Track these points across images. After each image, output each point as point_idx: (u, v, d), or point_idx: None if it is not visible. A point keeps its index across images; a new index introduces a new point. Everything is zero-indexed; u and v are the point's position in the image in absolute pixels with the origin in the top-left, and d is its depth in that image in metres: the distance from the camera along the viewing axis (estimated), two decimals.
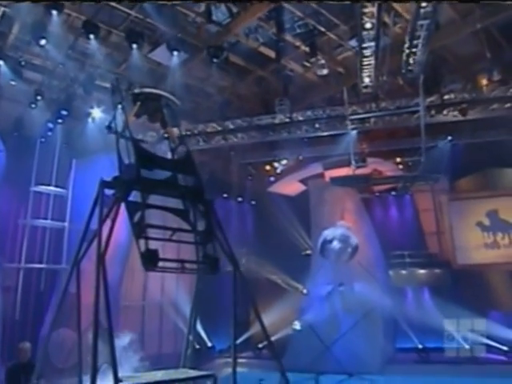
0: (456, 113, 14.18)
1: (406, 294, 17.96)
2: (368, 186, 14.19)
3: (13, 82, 11.70)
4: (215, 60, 11.74)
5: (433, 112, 14.37)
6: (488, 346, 15.10)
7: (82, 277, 6.32)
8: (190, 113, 16.22)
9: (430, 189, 18.60)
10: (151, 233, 5.70)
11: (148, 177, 6.09)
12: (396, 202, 18.90)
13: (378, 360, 15.01)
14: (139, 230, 5.52)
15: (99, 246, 5.65)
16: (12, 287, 12.76)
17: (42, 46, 10.51)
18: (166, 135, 6.78)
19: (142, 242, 5.38)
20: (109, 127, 6.20)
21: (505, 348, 15.14)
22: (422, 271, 17.91)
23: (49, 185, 13.70)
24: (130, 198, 5.85)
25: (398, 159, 17.76)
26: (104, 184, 5.86)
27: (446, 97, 13.96)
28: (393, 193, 15.19)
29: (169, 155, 6.88)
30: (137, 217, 5.68)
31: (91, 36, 10.53)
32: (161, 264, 5.50)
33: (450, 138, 15.96)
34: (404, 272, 17.92)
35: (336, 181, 14.36)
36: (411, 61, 12.23)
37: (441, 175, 14.44)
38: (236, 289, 6.72)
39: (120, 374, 5.49)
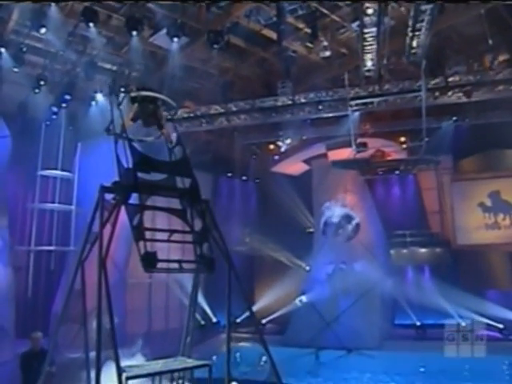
0: (460, 94, 14.05)
1: (407, 272, 18.28)
2: (369, 170, 14.26)
3: (15, 69, 11.78)
4: (215, 46, 11.66)
5: (437, 94, 14.23)
6: (485, 323, 15.52)
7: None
8: (193, 94, 16.28)
9: (434, 168, 18.60)
10: (152, 235, 5.99)
11: (146, 179, 6.34)
12: (399, 181, 18.94)
13: (376, 336, 15.53)
14: (138, 232, 5.79)
15: (100, 250, 5.94)
16: (23, 268, 13.29)
17: (42, 34, 10.52)
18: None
19: (141, 244, 5.63)
20: (108, 130, 6.35)
21: (501, 326, 15.52)
22: (422, 250, 18.16)
23: (55, 169, 13.98)
24: (131, 201, 6.11)
25: (403, 139, 17.76)
26: (104, 189, 6.11)
27: (450, 79, 13.75)
28: (396, 172, 15.24)
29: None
30: (136, 220, 5.93)
31: (90, 24, 10.48)
32: (159, 265, 5.80)
33: (454, 118, 15.86)
34: (405, 251, 18.19)
35: (337, 164, 14.45)
36: (414, 44, 12.08)
37: (442, 159, 14.45)
38: (230, 286, 7.00)
39: (122, 364, 6.01)
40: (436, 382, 13.31)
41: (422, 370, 13.91)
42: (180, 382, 6.57)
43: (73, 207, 14.17)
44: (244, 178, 20.34)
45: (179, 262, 6.40)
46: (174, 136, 6.98)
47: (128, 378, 5.82)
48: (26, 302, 13.15)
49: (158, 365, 6.45)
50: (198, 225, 6.82)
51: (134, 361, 7.86)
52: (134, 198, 6.20)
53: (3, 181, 12.60)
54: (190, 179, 6.56)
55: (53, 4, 9.78)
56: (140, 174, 6.26)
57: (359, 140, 15.66)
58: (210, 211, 6.83)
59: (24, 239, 13.45)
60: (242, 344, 16.74)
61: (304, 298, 16.72)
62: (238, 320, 18.16)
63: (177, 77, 14.21)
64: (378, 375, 13.93)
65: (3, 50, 11.30)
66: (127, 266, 15.23)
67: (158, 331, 16.41)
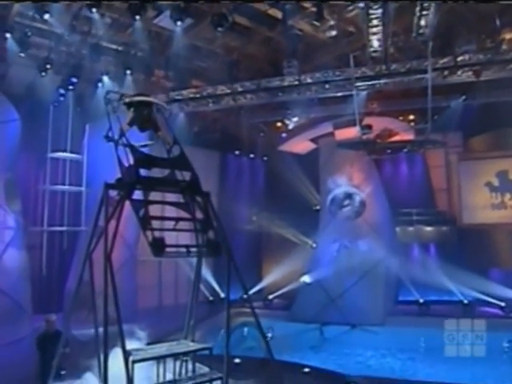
0: (470, 74, 13.81)
1: (412, 250, 18.47)
2: (375, 150, 14.22)
3: (22, 54, 11.88)
4: (220, 29, 11.56)
5: (446, 73, 14.00)
6: (486, 301, 15.83)
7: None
8: (199, 73, 16.22)
9: (442, 146, 18.47)
10: (161, 224, 6.26)
11: (148, 176, 6.56)
12: (407, 159, 18.82)
13: (379, 313, 15.89)
14: (144, 223, 6.05)
15: (106, 245, 6.26)
16: (37, 248, 13.79)
17: (45, 20, 10.56)
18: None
19: (148, 233, 5.82)
20: (107, 136, 6.52)
21: (502, 304, 15.77)
22: (428, 228, 18.27)
23: (64, 151, 14.24)
24: (135, 196, 6.36)
25: (411, 117, 17.61)
26: (108, 186, 6.36)
27: (459, 58, 13.48)
28: (404, 150, 15.14)
29: None
30: (141, 212, 6.19)
31: (93, 9, 10.47)
32: (168, 250, 6.10)
33: (463, 97, 15.63)
34: (411, 229, 18.32)
35: (343, 145, 14.43)
36: (422, 23, 11.84)
37: (451, 137, 14.33)
38: (229, 277, 7.28)
39: (131, 344, 6.40)
40: (437, 358, 13.67)
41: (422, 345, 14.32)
42: (184, 359, 7.03)
43: (83, 188, 14.51)
44: (252, 155, 20.41)
45: (186, 246, 6.75)
46: (170, 136, 7.19)
47: (134, 362, 6.30)
48: (40, 280, 13.73)
49: (163, 348, 6.88)
50: (199, 215, 7.13)
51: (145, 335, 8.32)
52: (136, 195, 6.48)
53: (15, 164, 12.93)
54: (189, 173, 6.81)
55: None
56: (142, 172, 6.57)
57: (365, 120, 15.62)
58: (210, 203, 7.08)
59: (37, 220, 13.89)
60: (248, 319, 17.30)
61: (307, 279, 17.08)
62: (245, 296, 18.68)
63: (182, 56, 14.19)
64: (380, 351, 14.36)
65: (8, 35, 11.38)
66: (137, 244, 15.65)
67: (168, 306, 17.02)
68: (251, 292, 18.84)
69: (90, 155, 14.84)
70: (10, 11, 11.57)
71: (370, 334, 15.13)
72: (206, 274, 16.74)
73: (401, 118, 17.78)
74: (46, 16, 10.46)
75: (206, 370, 6.92)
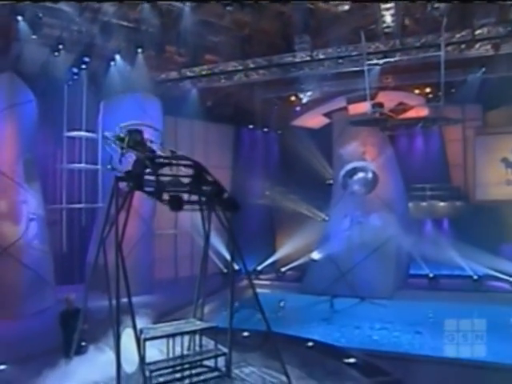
0: (488, 47, 13.40)
1: (424, 225, 18.51)
2: (387, 127, 14.05)
3: (34, 36, 12.03)
4: (228, 8, 11.44)
5: (463, 46, 13.62)
6: (496, 277, 15.92)
7: None
8: (211, 48, 16.10)
9: (461, 118, 18.11)
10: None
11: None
12: (423, 133, 18.42)
13: (389, 286, 16.18)
14: (159, 189, 6.63)
15: (117, 234, 6.68)
16: (57, 225, 14.41)
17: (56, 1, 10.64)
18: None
19: (164, 195, 6.62)
20: (111, 167, 7.22)
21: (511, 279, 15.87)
22: (441, 204, 18.19)
23: (80, 130, 14.56)
24: None
25: (428, 89, 17.23)
26: (118, 179, 6.72)
27: (477, 31, 13.07)
28: (419, 125, 14.90)
29: None
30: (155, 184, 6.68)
31: None
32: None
33: (482, 70, 15.19)
34: (424, 204, 18.29)
35: (355, 122, 14.32)
36: None
37: (468, 110, 14.04)
38: (233, 264, 7.64)
39: (139, 327, 6.90)
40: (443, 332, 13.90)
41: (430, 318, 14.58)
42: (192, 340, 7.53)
43: (99, 166, 14.92)
44: (265, 129, 20.40)
45: (204, 204, 7.51)
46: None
47: (145, 340, 6.81)
48: (62, 255, 14.43)
49: (172, 327, 7.44)
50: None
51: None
52: None
53: (33, 144, 13.33)
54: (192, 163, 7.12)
55: None
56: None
57: (380, 95, 15.41)
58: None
59: (56, 198, 14.44)
60: (262, 291, 17.84)
61: (316, 255, 17.40)
62: (259, 268, 19.26)
63: (194, 32, 14.12)
64: (388, 324, 14.71)
65: (20, 17, 11.50)
66: (153, 218, 16.15)
67: (184, 277, 17.65)
68: (264, 264, 19.43)
69: (105, 132, 15.08)
70: None
71: (379, 307, 15.50)
72: (220, 246, 17.19)
73: (417, 91, 17.43)
74: None
75: (212, 344, 7.46)
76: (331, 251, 17.00)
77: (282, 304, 16.21)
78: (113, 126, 15.10)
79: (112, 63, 14.38)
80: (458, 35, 13.18)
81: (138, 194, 7.07)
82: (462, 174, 18.50)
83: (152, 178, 6.70)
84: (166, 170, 6.98)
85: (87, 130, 14.80)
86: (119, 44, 14.31)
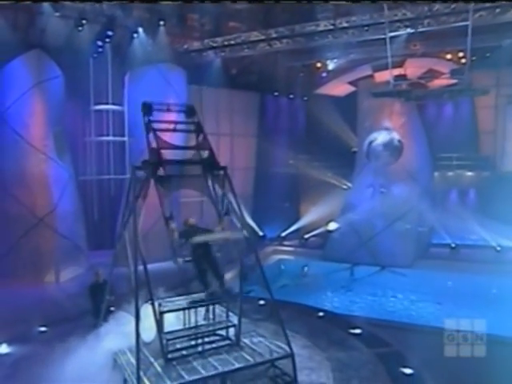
0: None
1: (449, 195, 18.24)
2: (411, 98, 13.66)
3: (57, 14, 12.32)
4: None
5: (498, 11, 12.93)
6: None
7: None
8: (234, 15, 15.97)
9: (495, 83, 17.37)
10: None
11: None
12: (451, 100, 17.83)
13: (409, 256, 16.32)
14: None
15: (134, 221, 7.17)
16: (88, 195, 15.23)
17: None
18: None
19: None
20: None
21: None
22: (468, 174, 17.80)
23: (106, 103, 15.02)
24: None
25: (461, 54, 16.49)
26: (135, 168, 7.23)
27: None
28: (445, 96, 14.34)
29: None
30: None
31: None
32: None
33: None
34: (450, 174, 17.95)
35: (377, 93, 14.01)
36: None
37: (490, 89, 13.50)
38: (243, 253, 8.02)
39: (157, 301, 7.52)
40: (463, 303, 13.97)
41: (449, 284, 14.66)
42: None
43: (126, 138, 15.44)
44: (291, 96, 20.23)
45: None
46: None
47: (162, 313, 7.44)
48: (93, 223, 15.32)
49: (187, 300, 8.00)
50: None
51: None
52: None
53: (62, 119, 13.93)
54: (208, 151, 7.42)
55: None
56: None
57: (408, 62, 14.96)
58: (228, 178, 7.73)
59: (86, 170, 15.18)
60: (285, 257, 18.42)
61: (332, 226, 17.59)
62: (283, 234, 19.73)
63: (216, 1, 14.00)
64: (406, 293, 14.96)
65: None
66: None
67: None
68: (288, 231, 19.85)
69: (130, 104, 15.48)
70: None
71: (399, 276, 15.73)
72: (244, 213, 17.60)
73: (449, 56, 16.72)
74: None
75: (224, 316, 8.00)
76: (353, 219, 17.15)
77: (305, 269, 16.74)
78: (138, 97, 15.54)
79: (135, 35, 14.55)
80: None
81: None
82: (492, 142, 17.89)
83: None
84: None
85: (113, 103, 15.23)
86: (142, 16, 14.43)
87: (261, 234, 19.53)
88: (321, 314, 10.47)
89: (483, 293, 13.80)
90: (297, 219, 19.98)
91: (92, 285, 9.45)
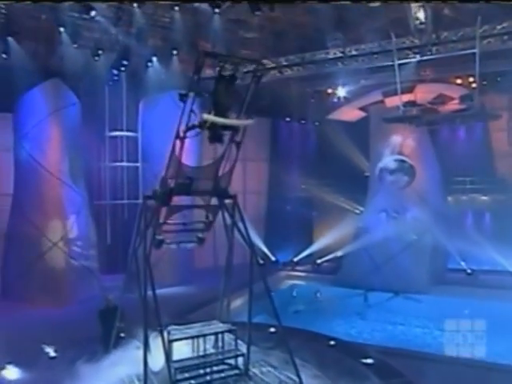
0: None
1: (463, 219, 18.01)
2: (423, 123, 13.68)
3: (74, 45, 12.76)
4: (257, 13, 11.58)
5: (505, 38, 13.01)
6: None
7: None
8: (245, 44, 16.24)
9: (507, 107, 17.34)
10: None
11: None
12: (464, 124, 17.79)
13: (424, 281, 16.05)
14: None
15: (145, 248, 7.27)
16: (101, 220, 15.44)
17: (92, 17, 11.24)
18: None
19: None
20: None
21: None
22: (483, 197, 17.59)
23: (121, 129, 15.37)
24: None
25: (471, 79, 16.52)
26: (146, 197, 7.55)
27: None
28: (457, 120, 14.31)
29: None
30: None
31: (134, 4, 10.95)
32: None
33: None
34: (464, 198, 17.78)
35: (388, 119, 14.09)
36: None
37: (502, 113, 13.48)
38: (252, 273, 8.02)
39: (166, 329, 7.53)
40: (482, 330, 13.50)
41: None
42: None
43: (139, 164, 15.72)
44: (303, 121, 20.42)
45: (180, 243, 8.51)
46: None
47: (170, 341, 7.43)
48: (106, 248, 15.48)
49: (195, 329, 8.02)
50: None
51: None
52: None
53: (77, 144, 14.26)
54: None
55: None
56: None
57: (418, 88, 15.08)
58: (237, 205, 7.83)
59: (100, 195, 15.44)
60: (298, 282, 18.27)
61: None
62: (296, 259, 19.60)
63: (227, 30, 14.34)
64: (421, 320, 14.62)
65: (62, 29, 12.24)
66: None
67: (223, 266, 18.22)
68: (301, 256, 19.72)
69: (144, 131, 15.82)
70: (62, 8, 12.36)
71: (414, 302, 15.44)
72: (257, 238, 17.60)
73: (459, 80, 16.76)
74: (93, 13, 11.10)
75: (233, 344, 7.94)
76: (366, 244, 17.00)
77: (318, 295, 16.55)
78: (151, 124, 15.80)
79: (149, 64, 14.94)
80: (498, 27, 12.59)
81: None
82: (507, 165, 17.69)
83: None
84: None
85: (128, 130, 15.58)
86: (156, 45, 14.83)
87: (273, 258, 19.45)
88: (332, 342, 10.25)
89: (503, 320, 13.42)
90: (309, 244, 19.87)
91: (102, 310, 9.51)
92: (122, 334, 9.04)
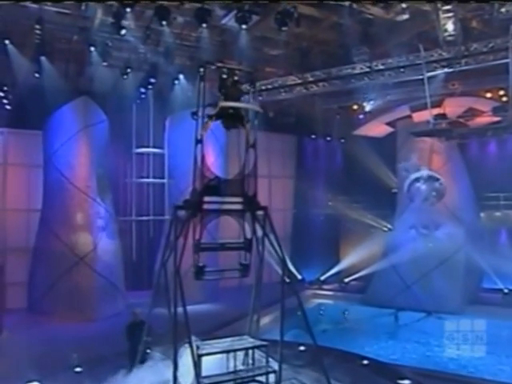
0: None
1: (498, 236, 17.37)
2: (453, 137, 13.36)
3: (104, 63, 13.05)
4: (284, 28, 11.63)
5: None
6: None
7: None
8: (272, 61, 16.36)
9: None
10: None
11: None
12: (496, 138, 17.36)
13: (458, 301, 15.37)
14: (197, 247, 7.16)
15: (175, 259, 7.10)
16: (127, 235, 15.47)
17: (122, 35, 11.48)
18: None
19: (195, 256, 7.13)
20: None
21: None
22: None
23: (147, 146, 15.53)
24: None
25: (501, 92, 16.17)
26: (177, 207, 7.29)
27: None
28: (489, 133, 13.97)
29: None
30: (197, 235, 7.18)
31: (163, 22, 11.13)
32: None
33: None
34: (497, 214, 17.16)
35: (417, 133, 13.83)
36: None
37: None
38: (284, 296, 7.78)
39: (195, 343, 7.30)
40: None
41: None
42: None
43: (165, 180, 15.79)
44: (328, 138, 20.29)
45: (223, 271, 8.06)
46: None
47: (200, 356, 7.18)
48: (132, 264, 15.47)
49: (225, 343, 7.75)
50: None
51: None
52: None
53: (105, 161, 14.45)
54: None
55: (128, 9, 10.53)
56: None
57: (447, 101, 14.79)
58: (268, 217, 7.64)
59: (126, 211, 15.52)
60: (325, 301, 17.81)
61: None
62: (322, 278, 19.19)
63: (253, 48, 14.47)
64: (455, 341, 13.94)
65: (92, 48, 12.55)
66: (217, 229, 16.72)
67: (248, 286, 17.93)
68: (328, 274, 19.30)
69: (170, 148, 15.97)
70: (93, 24, 12.72)
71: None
72: (284, 256, 17.27)
73: (489, 94, 16.42)
74: (123, 31, 11.35)
75: (264, 361, 7.66)
76: (396, 262, 16.50)
77: (346, 314, 16.07)
78: (177, 141, 15.89)
79: (176, 82, 15.14)
80: None
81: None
82: None
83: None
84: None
85: (154, 146, 15.73)
86: (182, 63, 15.07)
87: (299, 277, 19.07)
88: (365, 361, 9.84)
89: None
90: (336, 262, 19.46)
91: (129, 324, 9.35)
92: (148, 350, 8.85)
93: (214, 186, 7.20)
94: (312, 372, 8.30)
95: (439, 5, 10.29)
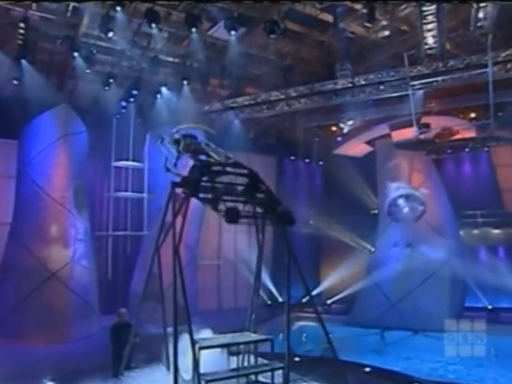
0: None
1: (478, 253, 17.59)
2: (435, 150, 13.71)
3: (87, 70, 12.78)
4: (272, 36, 11.82)
5: (509, 66, 13.34)
6: None
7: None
8: (254, 79, 16.54)
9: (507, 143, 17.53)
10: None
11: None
12: (470, 157, 17.94)
13: (444, 318, 15.18)
14: (215, 198, 6.45)
15: (174, 237, 6.63)
16: (103, 251, 14.66)
17: (110, 38, 11.32)
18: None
19: (221, 206, 6.40)
20: (166, 168, 7.16)
21: None
22: (495, 231, 17.32)
23: (127, 160, 15.07)
24: None
25: (473, 115, 16.86)
26: (175, 184, 6.71)
27: None
28: (466, 150, 14.40)
29: None
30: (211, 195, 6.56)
31: (153, 24, 11.08)
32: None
33: None
34: (476, 232, 17.47)
35: (400, 145, 14.11)
36: (481, 15, 11.41)
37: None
38: (289, 275, 7.39)
39: (195, 337, 6.69)
40: (504, 368, 12.65)
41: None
42: (246, 356, 7.24)
43: (144, 195, 15.26)
44: (307, 160, 20.44)
45: (258, 218, 7.17)
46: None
47: (200, 349, 6.57)
48: (107, 282, 14.56)
49: (226, 338, 7.24)
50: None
51: (205, 334, 8.64)
52: None
53: (83, 173, 13.86)
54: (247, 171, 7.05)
55: (118, 8, 10.44)
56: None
57: (423, 119, 15.19)
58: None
59: (102, 225, 14.78)
60: (307, 323, 17.20)
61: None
62: (304, 300, 18.65)
63: (237, 65, 14.58)
64: (444, 357, 13.67)
65: (76, 53, 12.29)
66: (197, 248, 16.15)
67: (227, 309, 17.29)
68: (309, 296, 18.71)
69: (150, 162, 15.54)
70: (78, 32, 12.54)
71: (434, 339, 14.52)
72: (265, 278, 16.83)
73: (461, 115, 17.10)
74: (110, 34, 11.20)
75: (266, 362, 7.14)
76: (380, 281, 16.31)
77: (330, 336, 15.46)
78: (158, 155, 15.50)
79: (158, 96, 14.97)
80: (503, 54, 12.95)
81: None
82: None
83: (208, 184, 6.60)
84: (221, 178, 6.89)
85: (134, 160, 15.28)
86: (166, 77, 14.97)
87: (280, 299, 18.47)
88: (367, 369, 9.44)
89: None
90: (317, 284, 19.08)
91: (114, 326, 8.61)
92: (133, 365, 8.15)
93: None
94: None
95: (424, 13, 10.70)
